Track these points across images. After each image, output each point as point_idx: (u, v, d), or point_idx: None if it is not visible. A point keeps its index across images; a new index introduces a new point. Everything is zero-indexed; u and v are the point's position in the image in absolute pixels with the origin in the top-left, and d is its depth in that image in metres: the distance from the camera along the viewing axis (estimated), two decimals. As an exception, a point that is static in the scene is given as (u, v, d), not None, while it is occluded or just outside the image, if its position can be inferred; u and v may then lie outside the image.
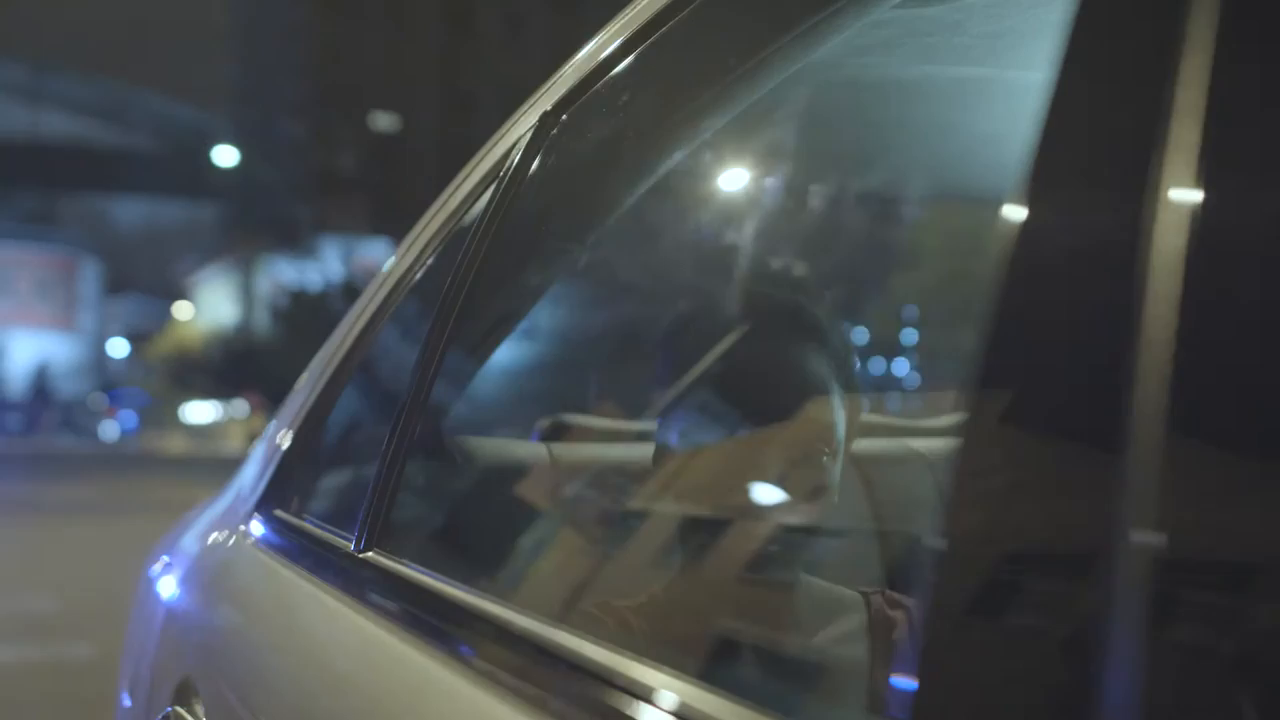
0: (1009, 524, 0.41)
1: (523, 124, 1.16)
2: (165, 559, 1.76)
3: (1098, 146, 0.42)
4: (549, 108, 1.11)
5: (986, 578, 0.41)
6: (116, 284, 62.61)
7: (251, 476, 1.63)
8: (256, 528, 1.46)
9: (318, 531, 1.28)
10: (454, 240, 1.26)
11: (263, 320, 35.22)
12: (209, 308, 49.11)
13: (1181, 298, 0.36)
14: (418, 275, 1.38)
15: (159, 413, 45.22)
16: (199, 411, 42.26)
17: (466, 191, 1.26)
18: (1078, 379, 0.40)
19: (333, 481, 1.55)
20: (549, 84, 1.15)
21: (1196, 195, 0.36)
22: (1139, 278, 0.37)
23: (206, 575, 1.59)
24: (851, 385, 0.90)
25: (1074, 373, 0.40)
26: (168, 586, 1.66)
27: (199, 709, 1.23)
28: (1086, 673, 0.35)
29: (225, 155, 39.38)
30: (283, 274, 37.34)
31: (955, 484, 0.43)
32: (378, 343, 1.47)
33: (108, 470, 19.81)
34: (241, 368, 35.19)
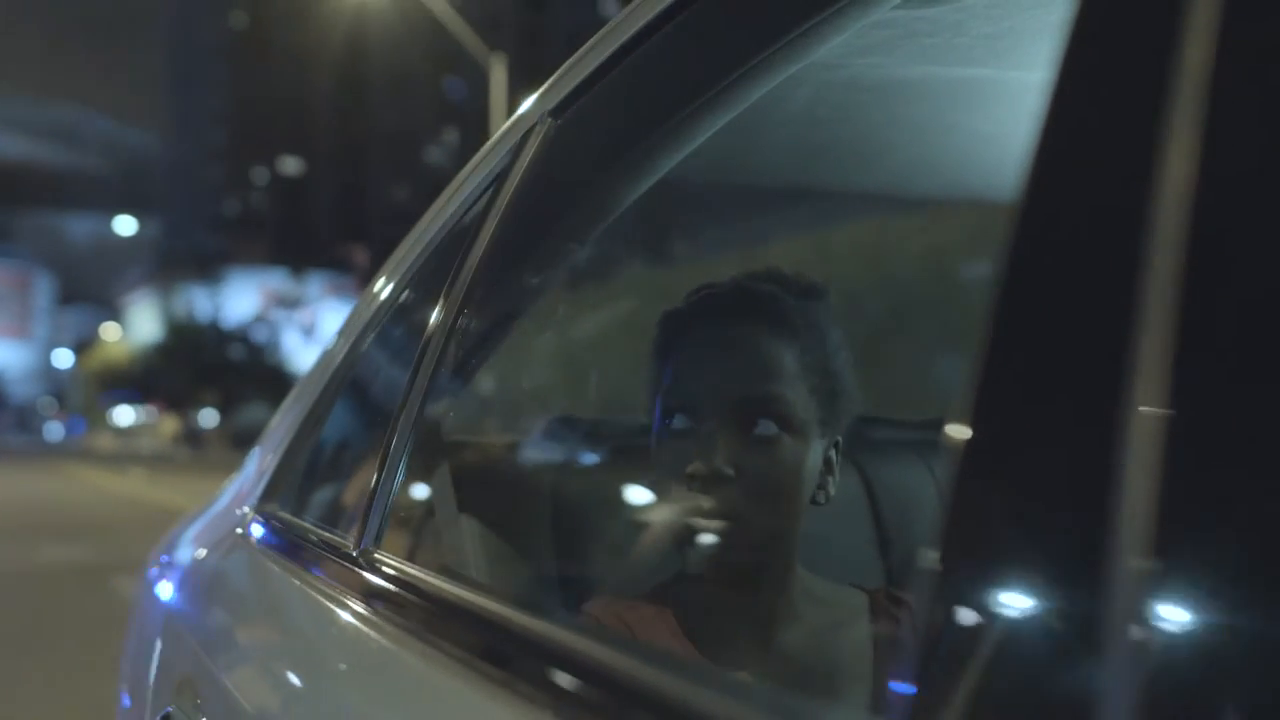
0: (1010, 523, 0.41)
1: (523, 124, 1.16)
2: (164, 560, 1.76)
3: (1098, 146, 0.42)
4: (549, 108, 1.11)
5: (987, 577, 0.41)
6: (68, 295, 70.84)
7: (251, 477, 1.63)
8: (256, 528, 1.46)
9: (317, 531, 1.28)
10: (454, 240, 1.26)
11: (169, 341, 43.72)
12: (132, 327, 58.26)
13: (1182, 298, 0.36)
14: (418, 275, 1.38)
15: (94, 415, 54.72)
16: (124, 415, 51.22)
17: (467, 192, 1.26)
18: (1078, 379, 0.40)
19: (333, 480, 1.55)
20: (549, 84, 1.15)
21: (1197, 195, 0.36)
22: (1139, 278, 0.37)
23: (206, 576, 1.59)
24: (829, 374, 0.90)
25: (1074, 373, 0.40)
26: (167, 587, 1.66)
27: (199, 709, 1.23)
28: (1086, 674, 0.35)
29: (125, 225, 51.62)
30: (193, 300, 45.35)
31: (955, 482, 0.43)
32: (378, 342, 1.47)
33: (40, 455, 32.88)
34: (153, 380, 43.46)
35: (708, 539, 0.86)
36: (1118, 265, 0.38)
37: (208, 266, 47.13)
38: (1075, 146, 0.43)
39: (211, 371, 38.43)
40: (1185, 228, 0.36)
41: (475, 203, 1.23)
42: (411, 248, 1.39)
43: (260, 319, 41.84)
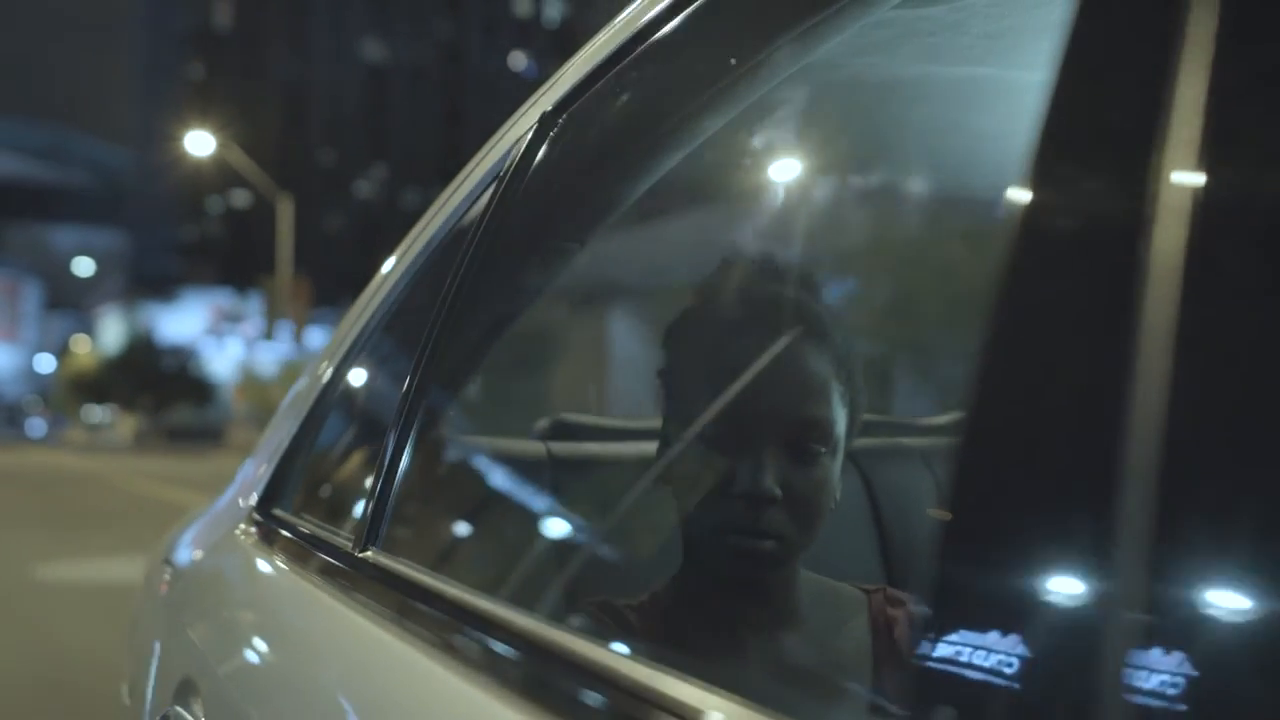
0: (1009, 523, 0.41)
1: (523, 124, 1.16)
2: (165, 559, 1.76)
3: (1098, 146, 0.42)
4: (549, 108, 1.11)
5: (986, 577, 0.41)
6: (53, 302, 79.46)
7: (251, 476, 1.63)
8: (256, 528, 1.46)
9: (318, 531, 1.28)
10: (454, 240, 1.26)
11: (121, 354, 54.53)
12: (101, 338, 68.71)
13: (1182, 296, 0.36)
14: (418, 275, 1.37)
15: (72, 414, 64.70)
16: (92, 414, 60.94)
17: (467, 191, 1.26)
18: (1078, 378, 0.40)
19: (332, 481, 1.55)
20: (549, 84, 1.15)
21: (1197, 194, 0.36)
22: (1139, 277, 0.37)
23: (207, 575, 1.59)
24: (852, 382, 0.90)
25: (1074, 372, 0.40)
26: (168, 586, 1.66)
27: (199, 709, 1.23)
28: (1086, 673, 0.35)
29: (84, 266, 64.35)
30: (146, 316, 57.60)
31: (955, 483, 0.43)
32: (378, 342, 1.47)
33: (16, 444, 42.30)
34: (111, 384, 52.75)
35: (745, 557, 0.85)
36: (1117, 264, 0.38)
37: (164, 286, 58.35)
38: (1075, 146, 0.43)
39: (148, 379, 49.45)
40: (1186, 226, 0.36)
41: (475, 202, 1.23)
42: (411, 247, 1.39)
43: (210, 332, 52.62)
